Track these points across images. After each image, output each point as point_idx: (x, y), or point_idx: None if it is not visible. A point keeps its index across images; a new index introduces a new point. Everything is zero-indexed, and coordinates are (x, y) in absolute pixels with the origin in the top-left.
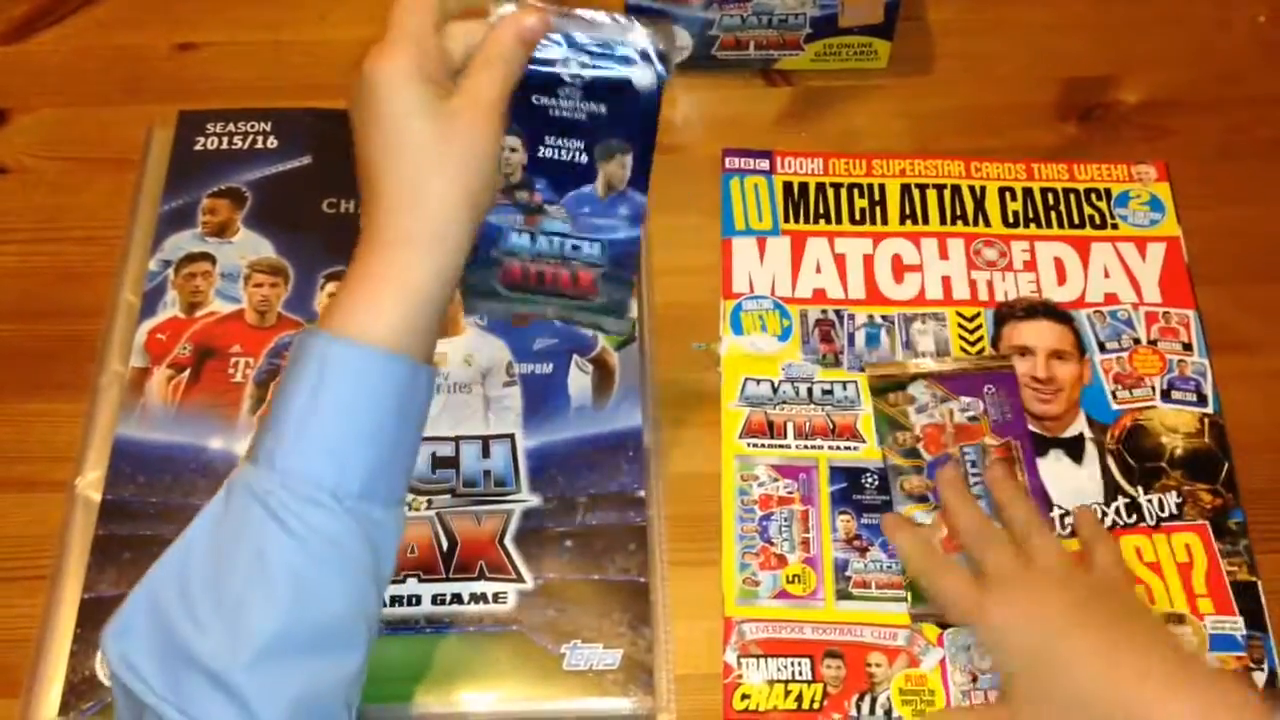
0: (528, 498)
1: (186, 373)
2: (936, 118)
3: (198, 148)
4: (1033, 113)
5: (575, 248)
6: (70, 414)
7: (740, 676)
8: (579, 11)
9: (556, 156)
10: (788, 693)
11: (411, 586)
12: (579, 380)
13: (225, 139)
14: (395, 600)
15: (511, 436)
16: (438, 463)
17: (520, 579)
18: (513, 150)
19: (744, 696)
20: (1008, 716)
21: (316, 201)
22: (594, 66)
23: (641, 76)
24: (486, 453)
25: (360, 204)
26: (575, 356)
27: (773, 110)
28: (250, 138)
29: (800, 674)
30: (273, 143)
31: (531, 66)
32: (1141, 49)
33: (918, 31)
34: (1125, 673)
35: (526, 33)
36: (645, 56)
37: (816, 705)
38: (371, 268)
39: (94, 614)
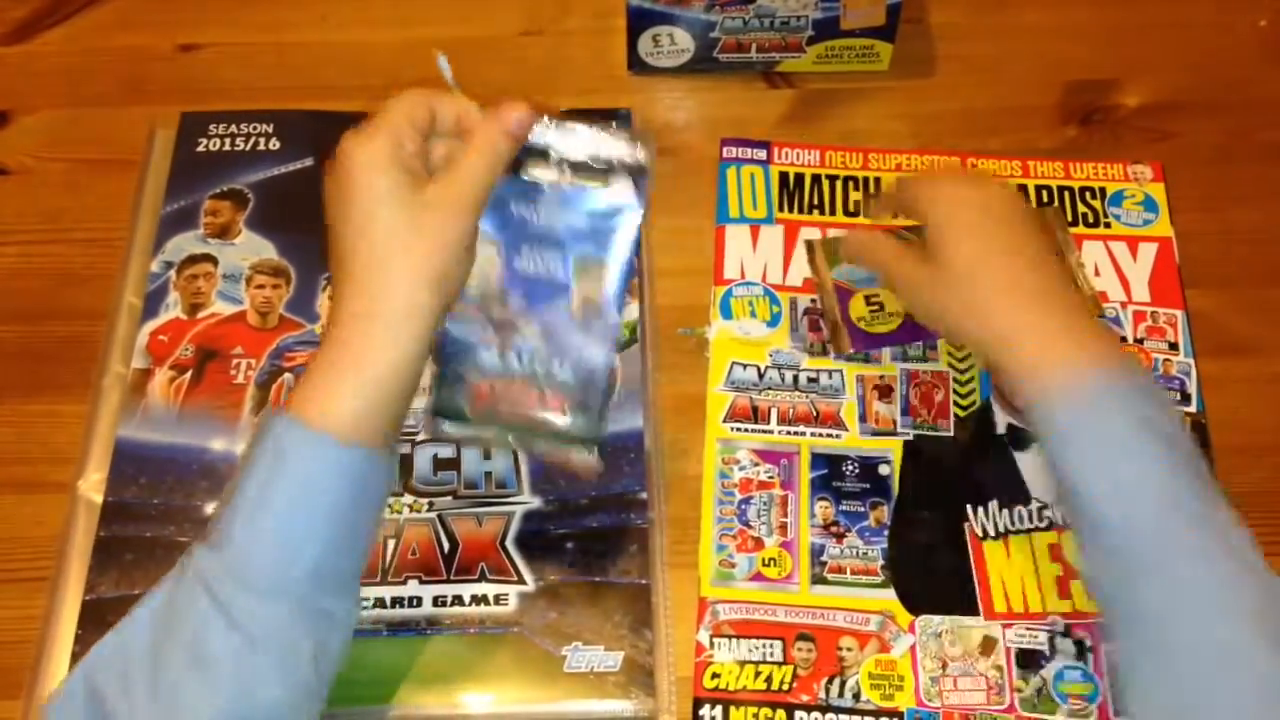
0: (529, 500)
1: (188, 374)
2: (938, 120)
3: (200, 149)
4: (1034, 115)
5: (547, 371)
6: (72, 415)
7: (711, 656)
8: (562, 121)
9: (533, 269)
10: (758, 674)
11: (412, 588)
12: None
13: (227, 140)
14: (396, 601)
15: None
16: (439, 465)
17: (521, 581)
18: (488, 259)
19: (714, 675)
20: (921, 260)
21: (318, 203)
22: (574, 179)
23: (621, 193)
24: (487, 455)
25: (334, 290)
26: None
27: (774, 112)
28: (252, 139)
29: (771, 656)
30: (275, 144)
31: (512, 175)
32: (1142, 52)
33: (919, 34)
34: (1021, 295)
35: (513, 125)
36: (626, 169)
37: (786, 687)
38: (334, 351)
39: (96, 615)
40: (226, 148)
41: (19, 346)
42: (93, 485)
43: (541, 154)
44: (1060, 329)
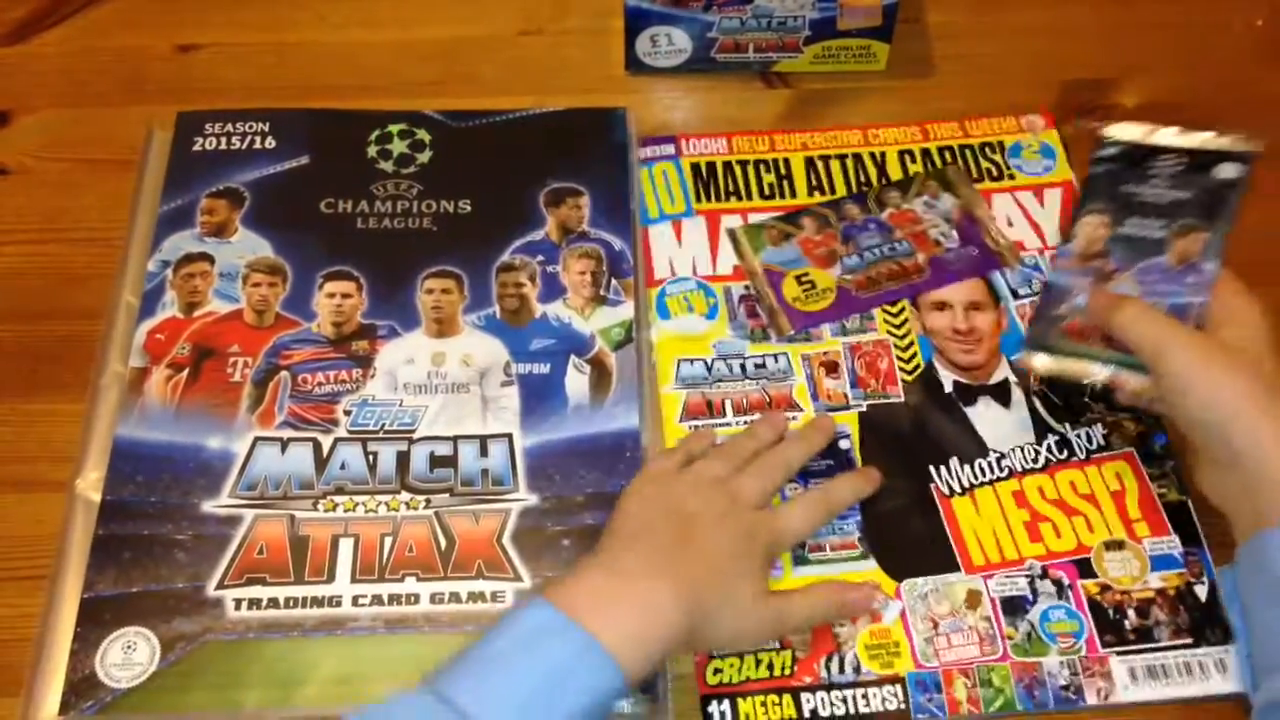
0: (525, 497)
1: (185, 372)
2: (935, 120)
3: (196, 148)
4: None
5: None
6: (70, 414)
7: (710, 653)
8: (1175, 131)
9: (1136, 234)
10: (759, 662)
11: (409, 585)
12: (576, 380)
13: (224, 139)
14: (393, 599)
15: (509, 436)
16: (436, 462)
17: (518, 578)
18: (1101, 225)
19: (716, 671)
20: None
21: (314, 201)
22: (1181, 162)
23: (1227, 170)
24: (484, 452)
25: (640, 536)
26: (573, 357)
27: (772, 113)
28: (248, 138)
29: (768, 643)
30: (271, 143)
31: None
32: (1140, 52)
33: (916, 34)
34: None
35: (856, 607)
36: (1229, 156)
37: (788, 671)
38: (638, 605)
39: (94, 613)
40: (223, 147)
41: (17, 345)
42: (91, 484)
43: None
44: None
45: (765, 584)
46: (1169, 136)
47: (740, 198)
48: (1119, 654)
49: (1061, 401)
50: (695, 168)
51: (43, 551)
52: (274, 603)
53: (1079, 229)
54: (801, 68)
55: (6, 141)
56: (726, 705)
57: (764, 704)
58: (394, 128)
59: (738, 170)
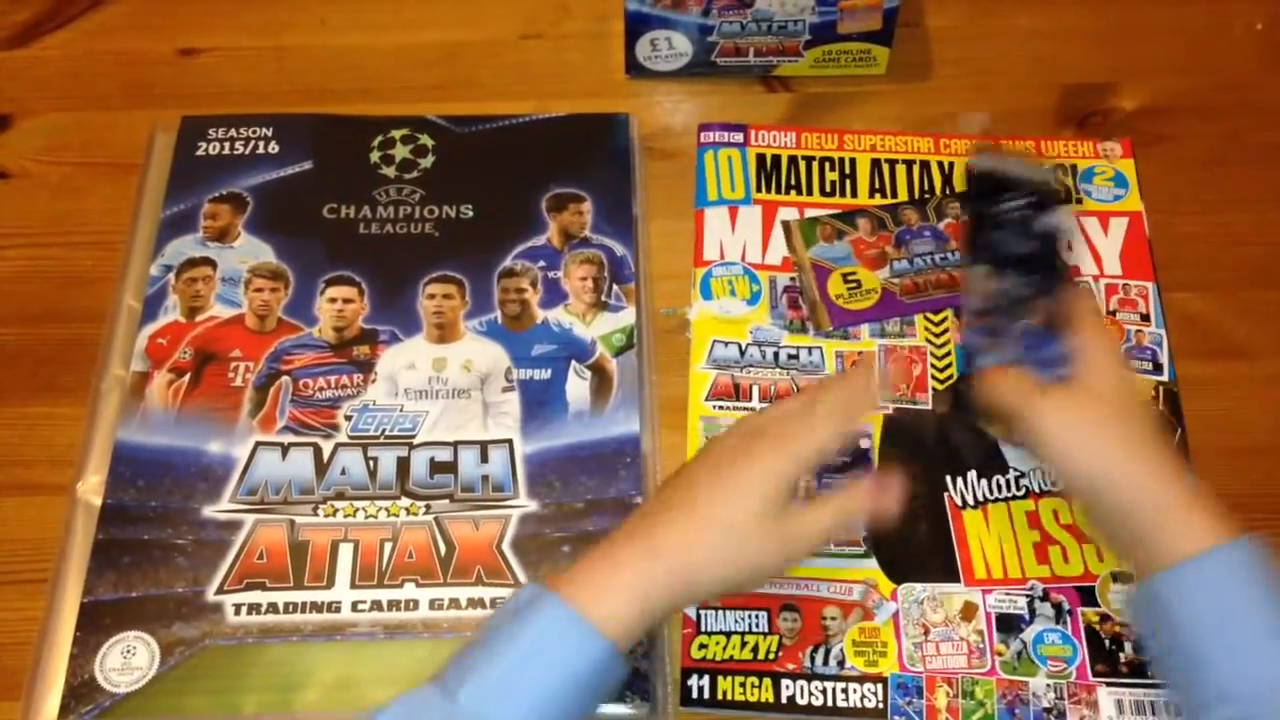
0: (526, 503)
1: (187, 377)
2: (935, 124)
3: (199, 153)
4: (1031, 119)
5: None
6: (71, 418)
7: (699, 627)
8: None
9: (1013, 290)
10: (744, 643)
11: (409, 591)
12: (577, 386)
13: (227, 144)
14: (393, 605)
15: (510, 442)
16: (436, 468)
17: (518, 584)
18: (987, 277)
19: (701, 646)
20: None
21: (317, 206)
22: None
23: (1055, 219)
24: (485, 458)
25: (650, 502)
26: (573, 363)
27: (772, 116)
28: (251, 143)
29: (757, 626)
30: (274, 148)
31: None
32: (1139, 56)
33: (916, 38)
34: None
35: (876, 502)
36: (1050, 194)
37: (772, 656)
38: (631, 568)
39: (94, 617)
40: (226, 151)
41: (19, 349)
42: (91, 488)
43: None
44: (1185, 498)
45: (769, 502)
46: (1015, 165)
47: (800, 192)
48: (1109, 684)
49: None
50: (760, 158)
51: (43, 555)
52: (273, 608)
53: (970, 283)
54: (802, 71)
55: (9, 145)
56: (706, 680)
57: (743, 685)
58: (397, 133)
59: (802, 165)
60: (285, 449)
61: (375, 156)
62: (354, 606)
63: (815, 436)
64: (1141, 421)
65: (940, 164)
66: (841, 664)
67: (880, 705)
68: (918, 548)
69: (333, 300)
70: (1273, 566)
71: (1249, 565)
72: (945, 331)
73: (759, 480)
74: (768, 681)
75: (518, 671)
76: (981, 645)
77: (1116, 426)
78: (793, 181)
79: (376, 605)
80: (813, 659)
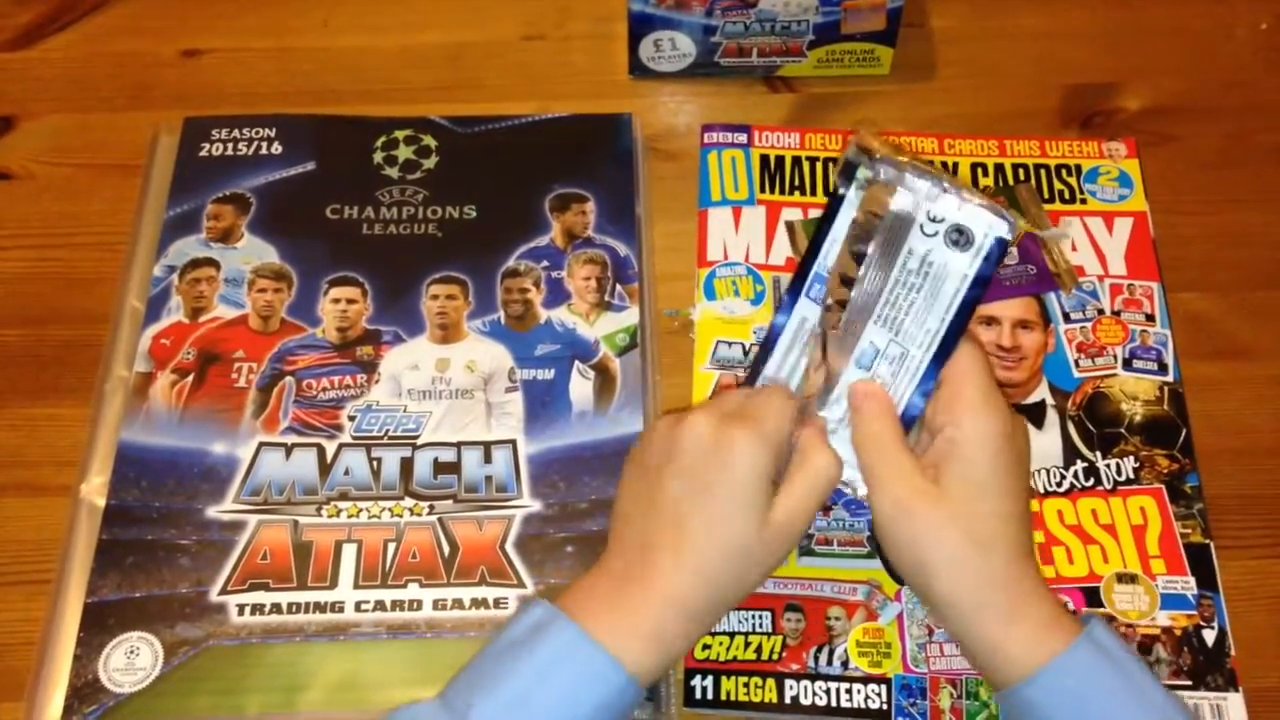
0: (529, 503)
1: (190, 378)
2: (939, 124)
3: (202, 154)
4: (1035, 119)
5: None
6: (75, 419)
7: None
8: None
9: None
10: (748, 644)
11: (413, 591)
12: (581, 386)
13: (230, 145)
14: (396, 605)
15: (513, 442)
16: (439, 468)
17: (521, 584)
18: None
19: (704, 646)
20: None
21: (320, 207)
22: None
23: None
24: (488, 458)
25: (630, 514)
26: (577, 362)
27: (775, 116)
28: (255, 143)
29: (760, 626)
30: (277, 148)
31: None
32: (1144, 56)
33: (920, 38)
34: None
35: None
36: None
37: (776, 656)
38: (638, 601)
39: (97, 618)
40: (229, 152)
41: (23, 350)
42: (95, 489)
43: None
44: (1042, 600)
45: (761, 510)
46: (920, 184)
47: (804, 192)
48: None
49: (1097, 430)
50: (764, 159)
51: (46, 556)
52: (277, 608)
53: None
54: (805, 72)
55: (12, 147)
56: (710, 681)
57: (746, 685)
58: (400, 134)
59: (806, 165)
60: (289, 449)
61: (378, 157)
62: (357, 607)
63: (776, 411)
64: (992, 516)
65: (945, 164)
66: (845, 664)
67: (884, 706)
68: None
69: (336, 301)
70: (1117, 646)
71: (1111, 667)
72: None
73: (746, 486)
74: (771, 682)
75: (531, 692)
76: None
77: (958, 531)
78: (796, 182)
79: (380, 605)
80: (816, 659)
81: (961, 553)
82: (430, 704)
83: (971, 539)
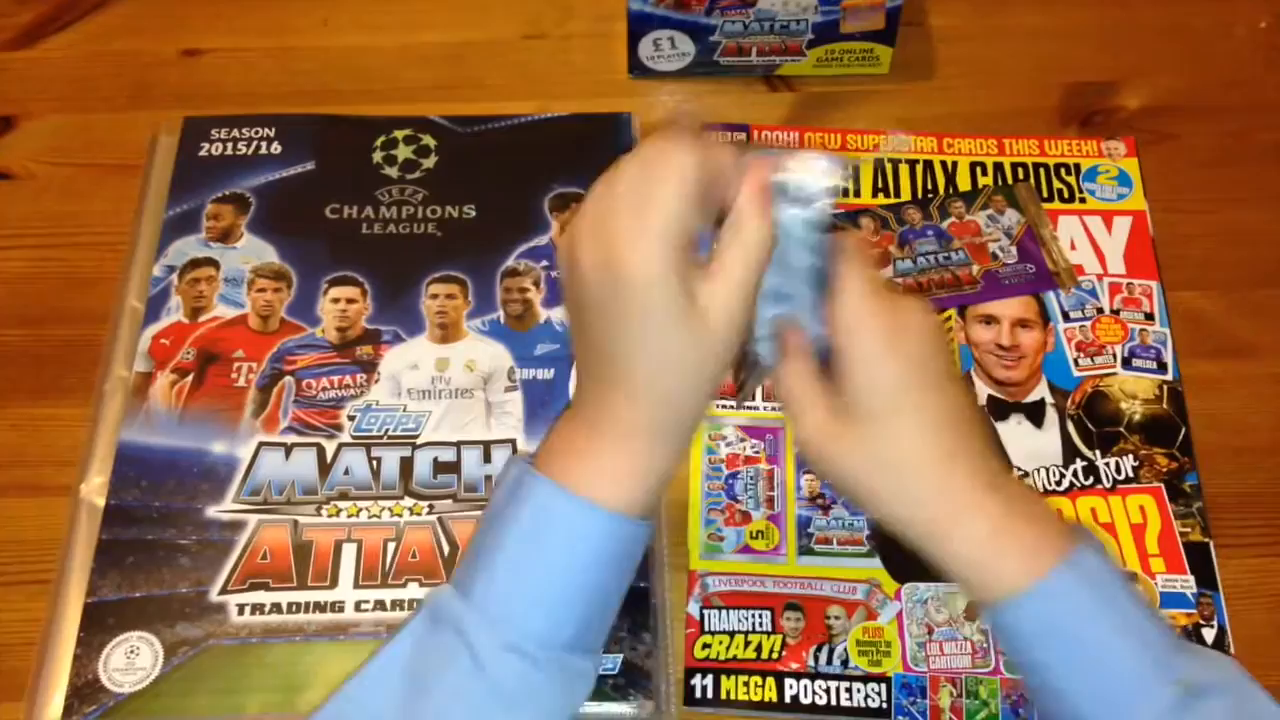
0: None
1: (190, 377)
2: (938, 123)
3: (202, 153)
4: (1034, 118)
5: None
6: (75, 419)
7: (702, 627)
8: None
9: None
10: (748, 643)
11: (413, 591)
12: None
13: (229, 145)
14: (396, 604)
15: (513, 442)
16: (439, 468)
17: None
18: None
19: (704, 645)
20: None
21: (320, 207)
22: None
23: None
24: (488, 458)
25: (580, 358)
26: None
27: (775, 115)
28: (254, 143)
29: (761, 625)
30: (277, 148)
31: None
32: (1143, 54)
33: (919, 37)
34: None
35: (764, 195)
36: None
37: (775, 655)
38: (606, 441)
39: (97, 618)
40: (229, 152)
41: (23, 350)
42: (95, 488)
43: None
44: (1005, 508)
45: (672, 311)
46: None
47: None
48: None
49: (1096, 429)
50: None
51: (47, 556)
52: (277, 608)
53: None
54: (805, 71)
55: (12, 146)
56: (710, 680)
57: (746, 684)
58: (399, 133)
59: None
60: (288, 449)
61: (378, 157)
62: (357, 606)
63: (671, 193)
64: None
65: (944, 163)
66: (845, 663)
67: (884, 705)
68: None
69: (335, 300)
70: (1108, 570)
71: (1093, 581)
72: (949, 330)
73: (649, 297)
74: (771, 681)
75: (524, 559)
76: (985, 645)
77: (913, 352)
78: None
79: (380, 605)
80: (816, 658)
81: (879, 479)
82: (449, 588)
83: (880, 462)
